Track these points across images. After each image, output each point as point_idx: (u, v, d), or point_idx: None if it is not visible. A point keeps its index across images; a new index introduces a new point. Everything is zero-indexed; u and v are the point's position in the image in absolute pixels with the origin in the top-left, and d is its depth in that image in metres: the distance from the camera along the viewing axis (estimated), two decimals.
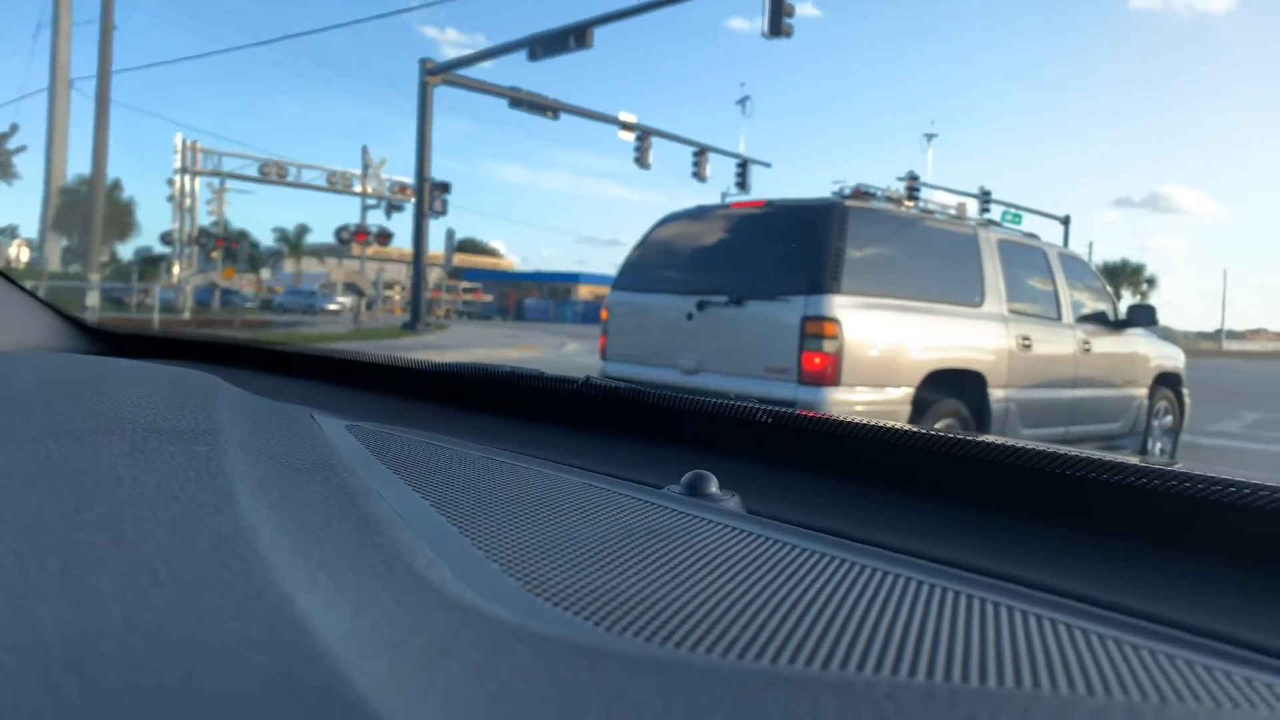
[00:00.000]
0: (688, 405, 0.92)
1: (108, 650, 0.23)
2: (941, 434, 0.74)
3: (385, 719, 0.22)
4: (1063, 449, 0.67)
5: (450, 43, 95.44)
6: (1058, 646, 0.35)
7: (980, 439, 0.71)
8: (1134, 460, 0.64)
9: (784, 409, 0.86)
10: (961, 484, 0.72)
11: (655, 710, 0.25)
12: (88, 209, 17.26)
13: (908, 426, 0.76)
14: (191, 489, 0.38)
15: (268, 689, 0.22)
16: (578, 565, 0.40)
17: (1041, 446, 0.68)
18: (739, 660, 0.31)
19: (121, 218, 35.01)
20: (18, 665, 0.22)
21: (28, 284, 1.65)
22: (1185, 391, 6.13)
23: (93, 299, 15.37)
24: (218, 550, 0.31)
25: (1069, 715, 0.26)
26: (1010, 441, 0.70)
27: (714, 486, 0.63)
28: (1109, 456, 0.65)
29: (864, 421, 0.79)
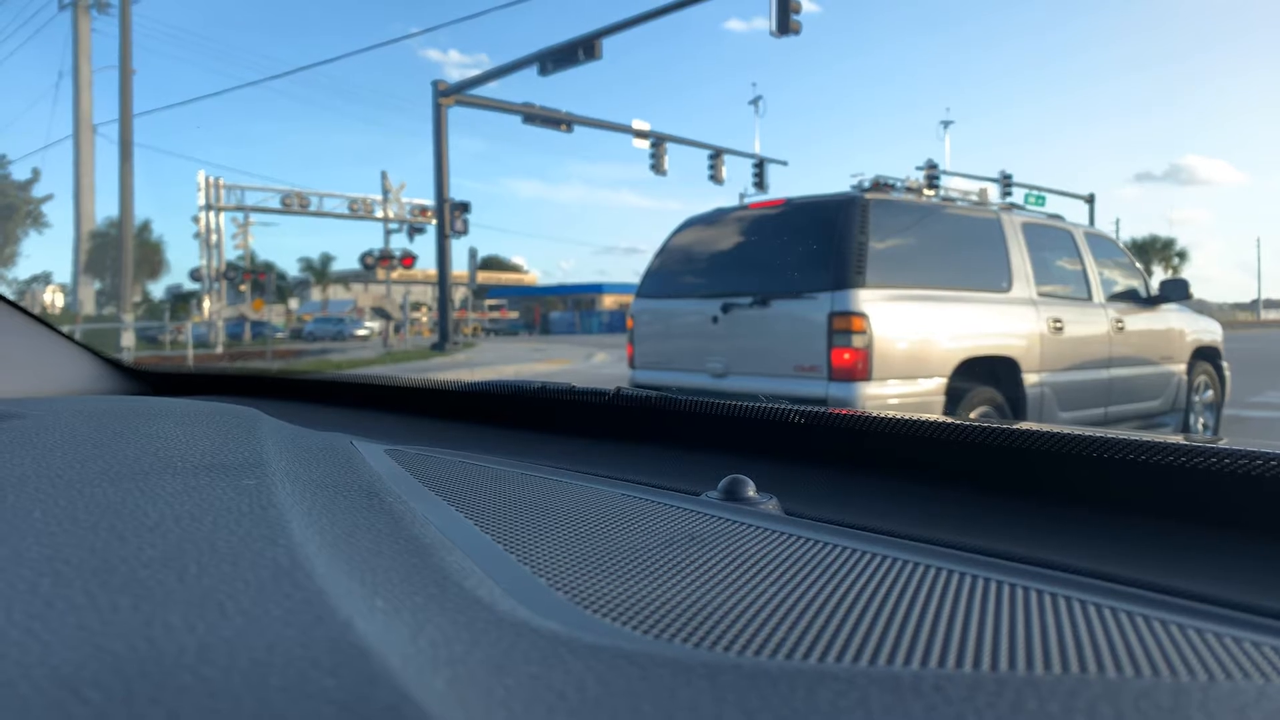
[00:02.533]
0: (720, 410, 0.92)
1: (185, 682, 0.24)
2: (974, 423, 0.74)
3: None
4: (1100, 431, 0.66)
5: (454, 64, 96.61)
6: (1102, 630, 0.35)
7: (1013, 426, 0.71)
8: (1175, 439, 0.63)
9: (816, 408, 0.86)
10: (995, 472, 0.72)
11: (708, 713, 0.26)
12: (118, 251, 17.56)
13: (939, 418, 0.76)
14: (246, 523, 0.39)
15: (339, 710, 0.23)
16: (623, 576, 0.41)
17: (1078, 430, 0.68)
18: (787, 660, 0.32)
19: (151, 257, 35.60)
20: (103, 700, 0.23)
21: (65, 328, 1.69)
22: (1225, 365, 6.03)
23: (128, 339, 15.62)
24: (278, 581, 0.32)
25: (1115, 697, 0.27)
26: (1044, 427, 0.70)
27: (751, 490, 0.63)
28: (1148, 436, 0.64)
29: (896, 416, 0.79)
